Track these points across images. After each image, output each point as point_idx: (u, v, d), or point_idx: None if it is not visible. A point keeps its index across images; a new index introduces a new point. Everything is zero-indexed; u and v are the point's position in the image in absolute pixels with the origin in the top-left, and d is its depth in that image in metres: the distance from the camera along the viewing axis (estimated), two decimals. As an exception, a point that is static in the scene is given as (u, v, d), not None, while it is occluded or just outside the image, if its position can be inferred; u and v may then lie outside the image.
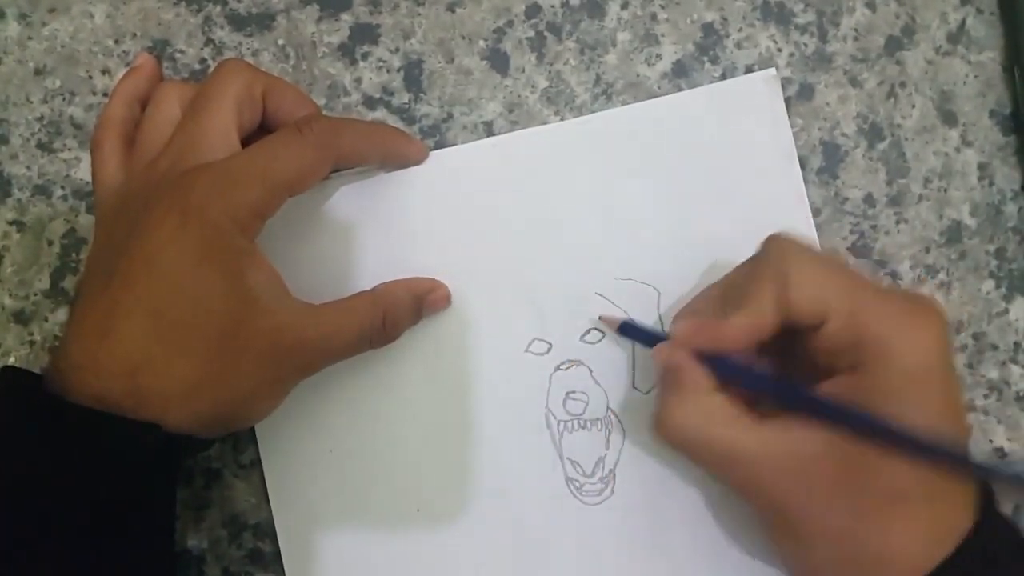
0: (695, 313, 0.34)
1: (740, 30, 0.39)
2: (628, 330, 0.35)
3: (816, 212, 0.38)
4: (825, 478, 0.29)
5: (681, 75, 0.39)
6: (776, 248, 0.31)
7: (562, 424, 0.37)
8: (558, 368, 0.37)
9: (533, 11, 0.39)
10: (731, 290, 0.33)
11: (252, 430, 0.37)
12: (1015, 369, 0.39)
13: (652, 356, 0.33)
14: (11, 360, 0.38)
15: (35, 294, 0.38)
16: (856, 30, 0.39)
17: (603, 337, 0.37)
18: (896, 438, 0.28)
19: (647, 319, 0.37)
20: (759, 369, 0.32)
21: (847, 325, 0.29)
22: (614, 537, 0.36)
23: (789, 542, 0.31)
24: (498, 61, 0.39)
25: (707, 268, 0.37)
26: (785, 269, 0.30)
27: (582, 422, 0.37)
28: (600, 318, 0.37)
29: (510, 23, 0.39)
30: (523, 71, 0.39)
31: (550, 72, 0.39)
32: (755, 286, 0.31)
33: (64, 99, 0.39)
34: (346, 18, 0.39)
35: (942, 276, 0.39)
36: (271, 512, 0.37)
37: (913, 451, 0.28)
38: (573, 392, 0.37)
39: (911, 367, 0.29)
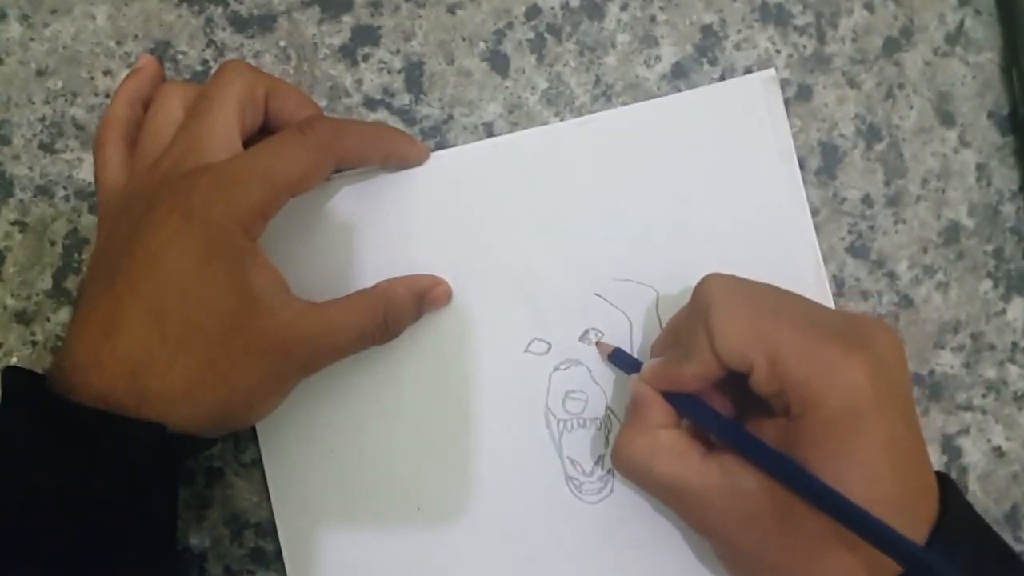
0: (659, 351, 0.35)
1: (739, 31, 0.39)
2: (616, 358, 0.36)
3: (814, 212, 0.38)
4: (759, 515, 0.29)
5: (680, 76, 0.39)
6: (702, 296, 0.31)
7: (562, 423, 0.37)
8: (557, 368, 0.37)
9: (533, 13, 0.39)
10: (679, 332, 0.34)
11: (253, 429, 0.37)
12: (1013, 369, 0.39)
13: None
14: (14, 360, 0.38)
15: (37, 294, 0.39)
16: (854, 31, 0.40)
17: (602, 337, 0.37)
18: (813, 492, 0.28)
19: (645, 320, 0.37)
20: (710, 405, 0.32)
21: (770, 374, 0.29)
22: (614, 535, 0.37)
23: (735, 569, 0.32)
24: (498, 62, 0.39)
25: (705, 269, 0.37)
26: (709, 321, 0.30)
27: (581, 421, 0.37)
28: (597, 344, 0.37)
29: (510, 25, 0.39)
30: (523, 72, 0.39)
31: (550, 73, 0.39)
32: (693, 335, 0.31)
33: (66, 100, 0.39)
34: (347, 20, 0.39)
35: (940, 276, 0.39)
36: (272, 511, 0.37)
37: (828, 509, 0.28)
38: (572, 391, 0.37)
39: (837, 413, 0.28)
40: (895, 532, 0.27)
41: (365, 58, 0.39)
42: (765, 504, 0.29)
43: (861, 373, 0.28)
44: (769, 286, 0.32)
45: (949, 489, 0.30)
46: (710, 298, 0.31)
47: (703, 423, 0.32)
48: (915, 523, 0.28)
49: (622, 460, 0.32)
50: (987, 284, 0.39)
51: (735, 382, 0.31)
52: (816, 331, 0.29)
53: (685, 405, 0.32)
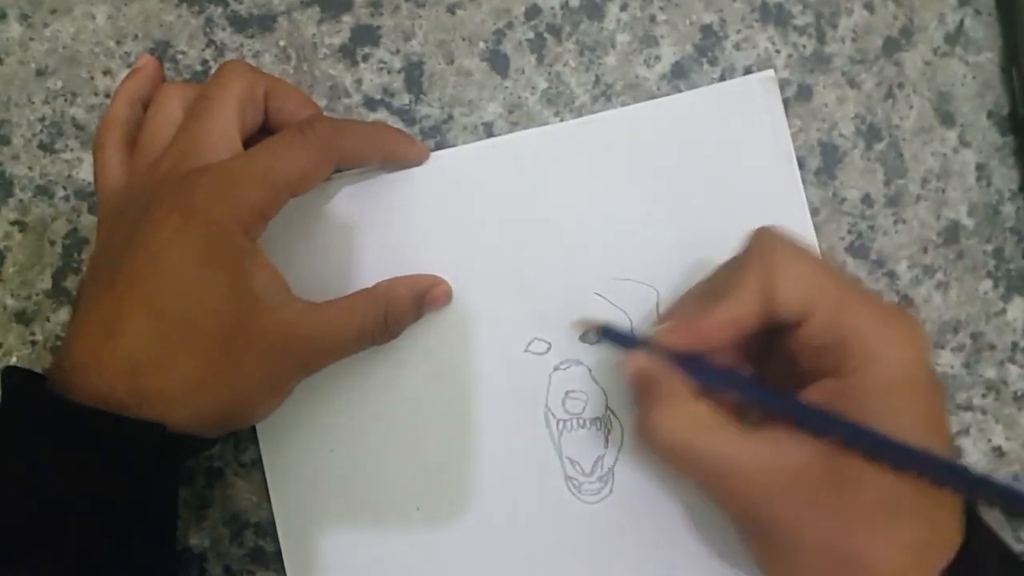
0: (680, 310, 0.33)
1: (739, 31, 0.39)
2: (608, 335, 0.34)
3: (814, 212, 0.39)
4: (812, 490, 0.28)
5: (680, 76, 0.39)
6: (765, 239, 0.31)
7: (561, 423, 0.37)
8: (557, 368, 0.37)
9: (533, 13, 0.39)
10: (716, 285, 0.32)
11: (253, 429, 0.37)
12: (1013, 369, 0.39)
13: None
14: (13, 360, 0.38)
15: (37, 294, 0.39)
16: (854, 31, 0.40)
17: (597, 340, 0.37)
18: (884, 448, 0.27)
19: (646, 319, 0.37)
20: (742, 373, 0.31)
21: (832, 323, 0.29)
22: (613, 536, 0.37)
23: (771, 557, 0.30)
24: (498, 62, 0.39)
25: (705, 268, 0.37)
26: (773, 259, 0.30)
27: (581, 421, 0.37)
28: (580, 322, 0.36)
29: (510, 25, 0.39)
30: (523, 72, 0.39)
31: (550, 73, 0.39)
32: (740, 277, 0.30)
33: (66, 100, 0.39)
34: (347, 20, 0.39)
35: (940, 276, 0.39)
36: (272, 511, 0.37)
37: (901, 462, 0.27)
38: (572, 391, 0.37)
39: (896, 376, 0.28)
40: (975, 473, 0.27)
41: (365, 58, 0.39)
42: (818, 475, 0.28)
43: (918, 347, 0.28)
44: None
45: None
46: (774, 242, 0.30)
47: (740, 390, 0.30)
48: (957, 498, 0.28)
49: (660, 441, 0.30)
50: (987, 284, 0.39)
51: (741, 355, 0.31)
52: (874, 297, 0.30)
53: (713, 375, 0.30)
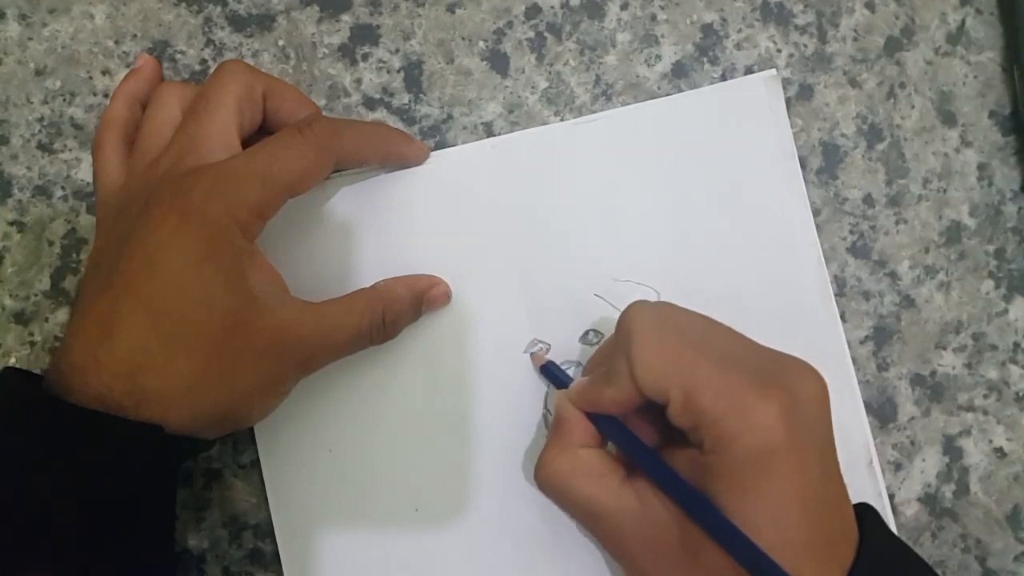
0: (591, 370, 0.35)
1: (740, 31, 0.39)
2: (547, 372, 0.36)
3: (816, 212, 0.38)
4: (669, 546, 0.29)
5: (681, 76, 0.39)
6: (626, 324, 0.31)
7: (562, 424, 0.37)
8: (557, 368, 0.37)
9: (533, 12, 0.39)
10: (605, 357, 0.34)
11: (251, 430, 0.37)
12: (1014, 369, 0.39)
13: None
14: (12, 361, 0.38)
15: (36, 295, 0.38)
16: (856, 31, 0.39)
17: (602, 338, 0.37)
18: (713, 526, 0.28)
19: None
20: (629, 430, 0.32)
21: (685, 408, 0.29)
22: (614, 537, 0.36)
23: None
24: (498, 62, 0.39)
25: (706, 269, 0.37)
26: (630, 347, 0.30)
27: (581, 422, 0.37)
28: (531, 355, 0.37)
29: (510, 24, 0.39)
30: (523, 72, 0.39)
31: (550, 73, 0.39)
32: (615, 362, 0.31)
33: (64, 100, 0.39)
34: (346, 19, 0.39)
35: (941, 276, 0.39)
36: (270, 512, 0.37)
37: (724, 543, 0.27)
38: (572, 392, 0.37)
39: (748, 452, 0.27)
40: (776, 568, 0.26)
41: (364, 57, 0.39)
42: (675, 536, 0.29)
43: (775, 414, 0.28)
44: (699, 317, 0.31)
45: (869, 527, 0.29)
46: (632, 327, 0.30)
47: (621, 447, 0.32)
48: (828, 567, 0.28)
49: (543, 477, 0.32)
50: (988, 284, 0.39)
51: (659, 409, 0.31)
52: (735, 369, 0.29)
53: (607, 427, 0.32)
